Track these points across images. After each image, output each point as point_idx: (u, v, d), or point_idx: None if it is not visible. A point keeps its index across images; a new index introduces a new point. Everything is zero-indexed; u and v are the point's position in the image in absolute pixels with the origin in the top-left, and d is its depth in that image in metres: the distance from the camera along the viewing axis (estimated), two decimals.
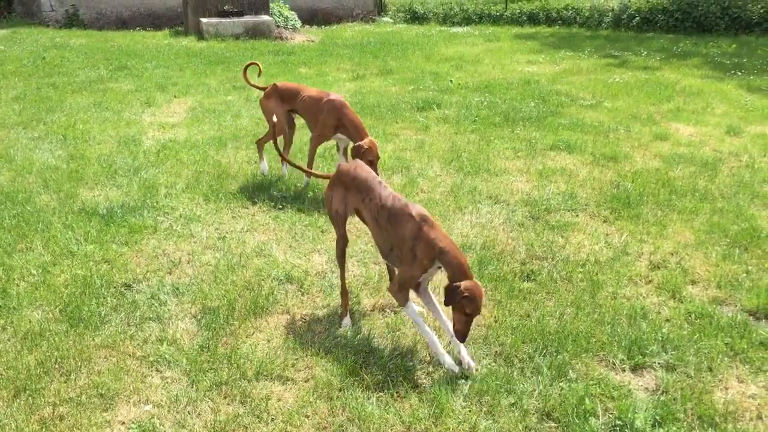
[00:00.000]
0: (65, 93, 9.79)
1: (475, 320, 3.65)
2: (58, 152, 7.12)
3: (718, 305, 4.28)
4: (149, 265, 4.76)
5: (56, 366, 3.65)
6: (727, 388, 3.53)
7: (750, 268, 4.71)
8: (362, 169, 3.98)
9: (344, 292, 4.12)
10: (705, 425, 3.24)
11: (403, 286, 3.67)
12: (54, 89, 10.02)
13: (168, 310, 4.21)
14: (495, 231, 5.28)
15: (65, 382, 3.53)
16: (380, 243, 3.85)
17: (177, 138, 7.63)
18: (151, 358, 3.74)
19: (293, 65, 12.05)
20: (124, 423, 3.28)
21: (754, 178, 6.36)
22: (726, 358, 3.73)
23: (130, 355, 3.76)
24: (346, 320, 4.06)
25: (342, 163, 4.00)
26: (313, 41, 15.39)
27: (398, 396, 3.45)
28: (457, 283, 3.46)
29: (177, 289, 4.44)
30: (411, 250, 3.58)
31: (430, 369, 3.66)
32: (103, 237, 5.13)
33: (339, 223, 4.04)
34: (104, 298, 4.31)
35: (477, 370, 3.60)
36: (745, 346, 3.82)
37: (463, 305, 3.46)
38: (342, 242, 4.05)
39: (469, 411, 3.34)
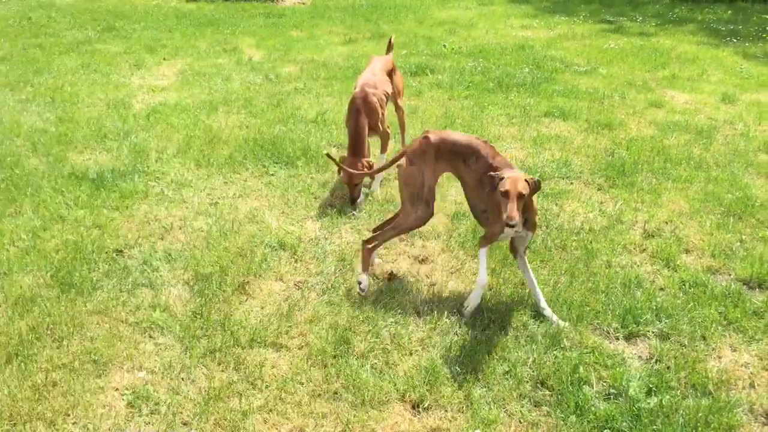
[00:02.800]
0: (52, 54, 9.60)
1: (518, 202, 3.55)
2: (46, 115, 7.00)
3: (712, 274, 4.28)
4: (141, 230, 4.71)
5: (48, 332, 3.62)
6: (720, 357, 3.55)
7: (744, 237, 4.71)
8: (456, 133, 4.10)
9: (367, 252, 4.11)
10: (698, 394, 3.26)
11: (488, 239, 3.84)
12: (41, 50, 9.82)
13: (160, 276, 4.17)
14: None
15: (58, 348, 3.50)
16: (475, 203, 3.99)
17: (167, 101, 7.51)
18: (144, 325, 3.71)
19: (284, 28, 11.86)
20: (117, 389, 3.27)
21: (749, 147, 6.34)
22: (719, 327, 3.75)
23: (122, 321, 3.74)
24: (363, 280, 4.03)
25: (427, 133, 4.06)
26: (304, 3, 15.13)
27: (393, 363, 3.44)
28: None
29: (169, 255, 4.40)
30: (497, 206, 3.66)
31: (424, 336, 3.66)
32: (94, 202, 5.06)
33: (429, 200, 4.00)
34: (96, 263, 4.27)
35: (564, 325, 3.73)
36: (739, 315, 3.83)
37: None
38: (426, 219, 4.04)
39: (464, 379, 3.35)
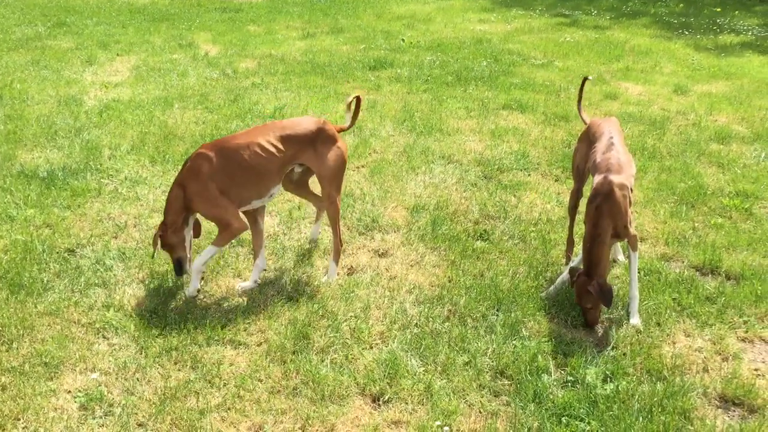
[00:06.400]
0: (0, 51, 9.34)
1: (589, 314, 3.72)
2: None
3: (666, 262, 4.35)
4: (93, 229, 4.60)
5: None
6: (674, 343, 3.61)
7: (697, 224, 4.80)
8: (608, 123, 4.17)
9: (570, 242, 4.30)
10: (653, 379, 3.31)
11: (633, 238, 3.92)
12: None
13: (114, 275, 4.08)
14: (448, 191, 5.26)
15: (7, 351, 3.40)
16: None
17: (121, 98, 7.36)
18: (98, 325, 3.63)
19: (241, 23, 11.72)
20: (70, 392, 3.19)
21: (701, 137, 6.46)
22: (673, 313, 3.81)
23: (75, 322, 3.65)
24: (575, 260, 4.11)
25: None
26: None
27: (353, 358, 3.42)
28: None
29: (123, 253, 4.31)
30: None
31: (384, 329, 3.64)
32: (44, 201, 4.93)
33: (575, 177, 4.27)
34: (46, 263, 4.15)
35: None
36: (692, 301, 3.90)
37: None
38: (575, 196, 4.23)
39: (424, 371, 3.34)
